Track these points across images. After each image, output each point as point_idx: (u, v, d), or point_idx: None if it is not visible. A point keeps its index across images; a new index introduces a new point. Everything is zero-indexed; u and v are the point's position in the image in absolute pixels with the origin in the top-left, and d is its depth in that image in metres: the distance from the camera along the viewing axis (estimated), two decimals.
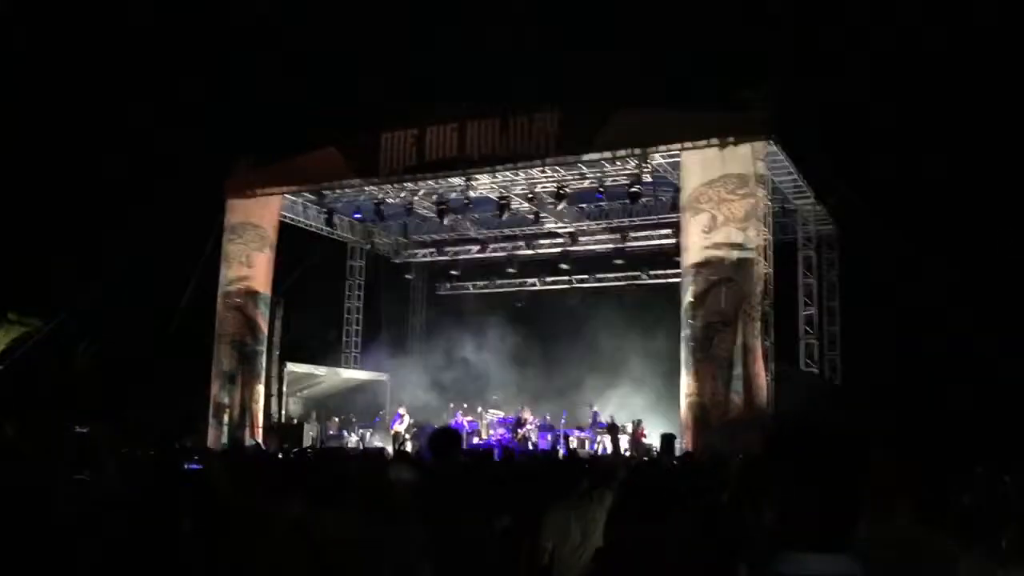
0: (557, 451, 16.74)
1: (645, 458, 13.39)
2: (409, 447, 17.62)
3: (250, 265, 18.78)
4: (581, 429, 18.53)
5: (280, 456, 10.93)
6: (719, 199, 14.56)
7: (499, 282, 22.75)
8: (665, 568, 3.05)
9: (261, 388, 18.70)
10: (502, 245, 21.75)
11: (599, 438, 18.08)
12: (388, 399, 21.27)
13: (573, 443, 17.78)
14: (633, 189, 16.84)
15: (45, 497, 4.04)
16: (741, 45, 16.93)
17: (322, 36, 20.23)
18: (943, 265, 14.54)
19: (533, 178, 17.54)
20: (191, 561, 3.52)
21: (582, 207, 19.31)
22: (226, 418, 18.33)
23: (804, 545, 1.69)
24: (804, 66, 16.46)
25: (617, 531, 3.19)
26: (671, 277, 15.81)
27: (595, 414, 18.54)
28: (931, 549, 3.00)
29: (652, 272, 20.12)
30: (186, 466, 8.13)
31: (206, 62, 19.42)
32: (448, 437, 5.15)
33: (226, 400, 18.45)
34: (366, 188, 18.54)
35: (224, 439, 17.73)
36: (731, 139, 14.54)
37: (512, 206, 18.71)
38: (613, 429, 17.58)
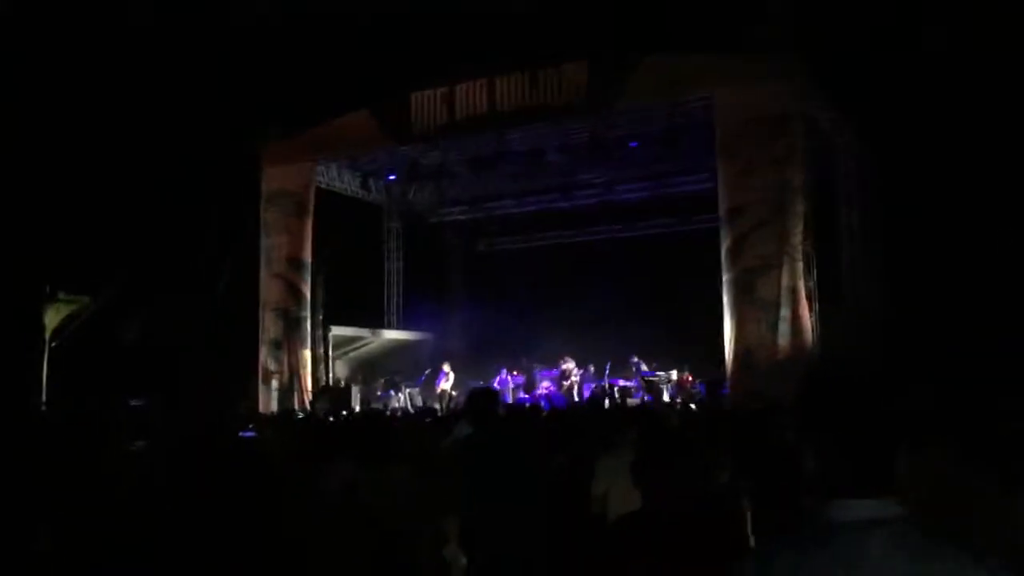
0: (603, 401, 16.81)
1: (692, 405, 13.42)
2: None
3: (289, 232, 18.94)
4: (627, 379, 18.55)
5: (331, 419, 11.09)
6: (755, 140, 14.35)
7: (536, 236, 22.70)
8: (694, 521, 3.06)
9: (307, 353, 18.97)
10: (537, 199, 21.65)
11: (644, 387, 18.12)
12: (432, 357, 21.45)
13: (618, 393, 17.85)
14: (668, 135, 16.65)
15: (109, 471, 4.16)
16: None
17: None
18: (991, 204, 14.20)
19: (565, 129, 17.41)
20: (250, 530, 3.60)
21: (617, 155, 19.12)
22: (275, 383, 18.65)
23: (844, 491, 1.70)
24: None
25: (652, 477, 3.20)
26: (711, 222, 15.63)
27: (637, 364, 18.52)
28: (978, 488, 2.96)
29: (692, 218, 19.93)
30: (241, 434, 8.31)
31: (231, 31, 19.40)
32: (486, 397, 5.14)
33: (274, 367, 18.76)
34: (399, 149, 18.56)
35: (274, 405, 18.06)
36: (764, 79, 14.28)
37: (546, 158, 18.61)
38: (650, 384, 17.66)
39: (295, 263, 18.91)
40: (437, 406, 17.68)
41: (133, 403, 12.87)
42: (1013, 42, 14.12)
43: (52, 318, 18.39)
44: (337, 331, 20.26)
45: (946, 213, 15.08)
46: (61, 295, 18.42)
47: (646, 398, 17.53)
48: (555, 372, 19.35)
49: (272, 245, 19.06)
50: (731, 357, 14.52)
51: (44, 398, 16.67)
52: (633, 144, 17.47)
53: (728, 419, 6.83)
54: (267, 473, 4.48)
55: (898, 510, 1.69)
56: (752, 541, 3.46)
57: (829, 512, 1.70)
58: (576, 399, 17.88)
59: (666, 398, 17.40)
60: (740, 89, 14.53)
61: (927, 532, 1.67)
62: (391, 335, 22.44)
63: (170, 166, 18.87)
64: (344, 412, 15.35)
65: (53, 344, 18.30)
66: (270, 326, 18.96)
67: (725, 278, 14.68)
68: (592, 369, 19.19)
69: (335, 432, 6.33)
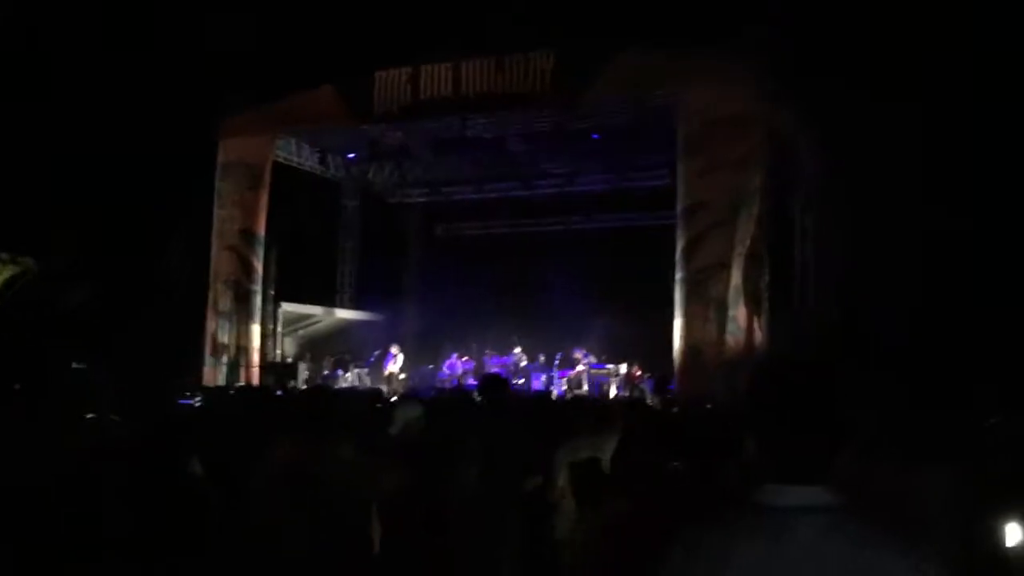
0: (551, 392, 16.87)
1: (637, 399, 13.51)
2: (402, 388, 17.75)
3: (243, 205, 18.70)
4: (572, 369, 18.61)
5: (277, 393, 11.01)
6: (717, 140, 14.47)
7: (495, 223, 22.68)
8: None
9: (256, 328, 18.76)
10: (498, 185, 21.61)
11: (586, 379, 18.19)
12: (383, 339, 21.35)
13: (565, 384, 17.95)
14: (631, 129, 16.72)
15: (54, 436, 4.08)
16: None
17: None
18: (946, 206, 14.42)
19: (529, 117, 17.39)
20: (202, 500, 3.58)
21: (579, 146, 19.13)
22: (224, 358, 18.44)
23: (782, 477, 1.72)
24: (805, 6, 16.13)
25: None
26: (668, 218, 15.75)
27: (586, 355, 18.58)
28: (919, 487, 3.03)
29: (650, 213, 20.03)
30: (182, 402, 8.23)
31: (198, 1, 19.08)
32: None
33: (225, 339, 18.54)
34: (361, 128, 18.40)
35: (221, 379, 17.85)
36: (731, 80, 14.39)
37: (508, 147, 18.59)
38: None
39: (248, 236, 18.67)
40: (384, 388, 17.60)
41: (75, 366, 12.65)
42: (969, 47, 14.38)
43: None
44: (288, 308, 20.07)
45: (902, 217, 15.31)
46: (4, 255, 18.04)
47: (594, 389, 17.64)
48: (506, 359, 19.37)
49: (226, 216, 18.80)
50: (679, 354, 14.66)
51: None
52: (595, 136, 17.50)
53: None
54: (211, 441, 4.46)
55: (832, 499, 1.71)
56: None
57: (762, 496, 1.72)
58: (519, 385, 17.90)
59: (613, 392, 17.51)
60: (705, 88, 14.64)
61: (860, 521, 1.70)
62: (342, 314, 22.28)
63: (125, 131, 18.51)
64: (290, 386, 15.25)
65: None
66: (220, 298, 18.72)
67: (678, 276, 14.81)
68: (542, 359, 19.25)
69: (279, 406, 6.29)
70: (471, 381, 18.82)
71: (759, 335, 14.37)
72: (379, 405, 6.90)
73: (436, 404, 5.89)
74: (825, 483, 1.72)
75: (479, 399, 5.70)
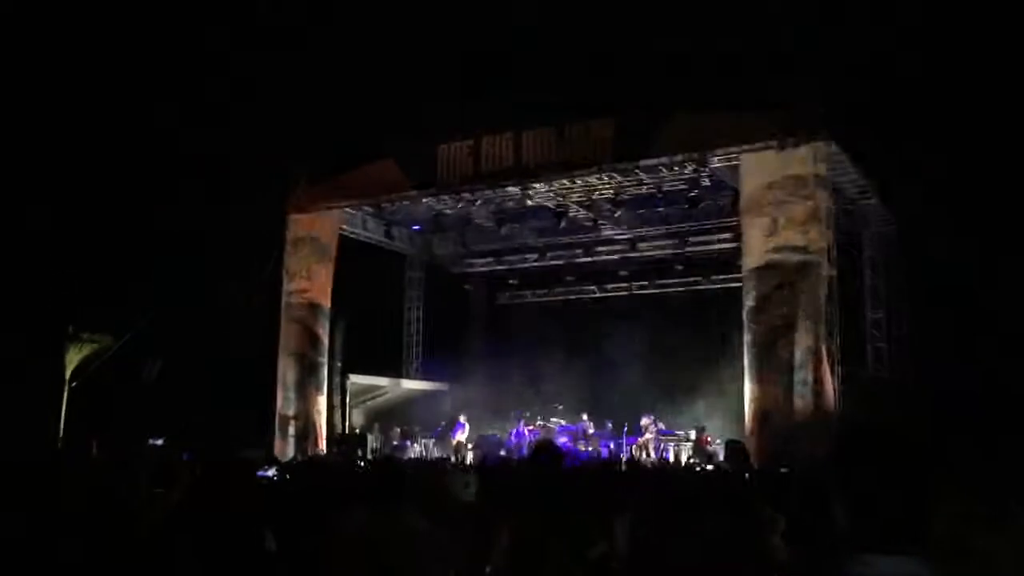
0: (620, 459, 16.60)
1: (709, 466, 13.24)
2: (470, 457, 17.65)
3: (311, 278, 19.03)
4: (640, 435, 18.31)
5: (346, 465, 11.04)
6: (779, 201, 14.35)
7: (558, 290, 22.69)
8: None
9: (324, 399, 18.93)
10: (561, 253, 21.66)
11: (662, 445, 17.90)
12: (449, 409, 21.34)
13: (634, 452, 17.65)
14: (692, 194, 16.70)
15: (129, 510, 4.13)
16: (792, 43, 16.66)
17: (375, 48, 20.46)
18: (1014, 265, 14.12)
19: (590, 185, 17.48)
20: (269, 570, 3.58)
21: (641, 213, 19.14)
22: (291, 429, 18.59)
23: (876, 547, 1.66)
24: (860, 61, 16.12)
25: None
26: (732, 282, 15.61)
27: (654, 422, 18.28)
28: (1000, 555, 2.90)
29: (713, 277, 19.87)
30: (259, 473, 8.29)
31: (263, 76, 19.76)
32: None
33: (291, 412, 18.71)
34: (424, 200, 18.69)
35: (291, 450, 17.98)
36: (789, 139, 14.32)
37: (570, 214, 18.68)
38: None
39: (315, 309, 18.96)
40: (452, 457, 17.53)
41: (152, 442, 12.86)
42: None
43: (73, 357, 18.50)
44: (355, 379, 20.22)
45: (969, 277, 14.98)
46: (83, 335, 18.54)
47: (664, 455, 17.34)
48: (574, 427, 19.17)
49: (293, 290, 19.13)
50: (750, 418, 14.36)
51: (62, 437, 16.70)
52: (658, 201, 17.49)
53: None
54: (286, 514, 4.47)
55: (920, 568, 1.65)
56: None
57: (852, 568, 1.67)
58: (586, 452, 17.66)
59: (684, 458, 17.18)
60: (764, 149, 14.58)
61: None
62: (409, 385, 22.37)
63: (197, 208, 19.08)
64: (358, 459, 15.25)
65: (73, 384, 18.39)
66: (288, 371, 18.95)
67: (746, 338, 14.60)
68: (610, 426, 19.02)
69: (349, 478, 6.30)
70: None
71: (831, 398, 14.02)
72: (445, 475, 6.87)
73: (491, 473, 5.83)
74: (920, 552, 1.66)
75: (531, 467, 5.63)
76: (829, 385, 14.02)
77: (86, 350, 18.74)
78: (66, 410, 17.98)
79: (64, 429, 17.50)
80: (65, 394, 18.23)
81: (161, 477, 4.88)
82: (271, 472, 8.73)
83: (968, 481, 3.10)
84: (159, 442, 12.90)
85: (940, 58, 16.15)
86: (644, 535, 3.29)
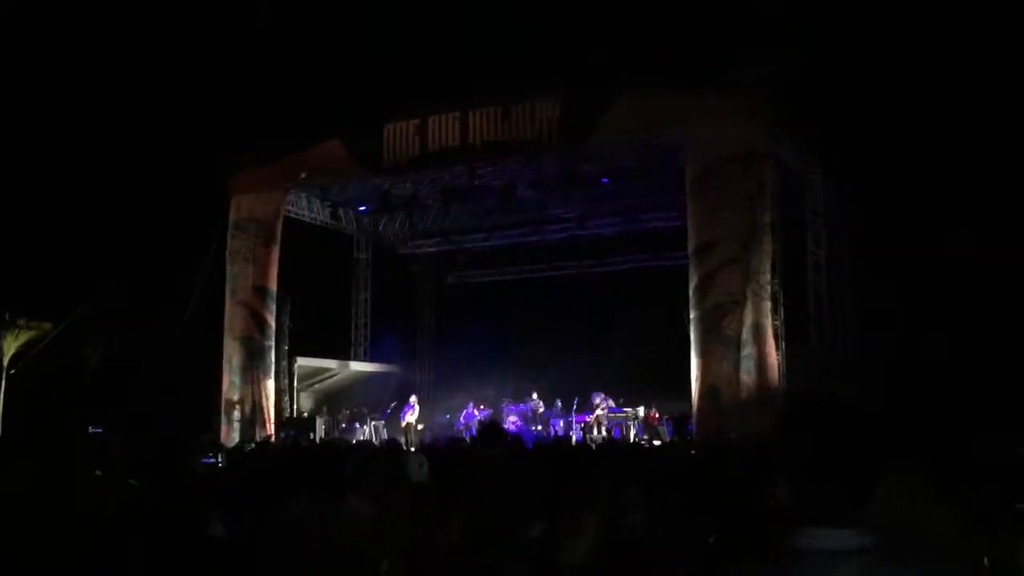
0: (571, 437, 16.72)
1: (656, 442, 13.36)
2: (419, 439, 17.62)
3: (255, 261, 18.73)
4: (590, 413, 18.43)
5: (292, 450, 10.91)
6: (725, 178, 14.45)
7: (507, 270, 22.64)
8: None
9: (271, 383, 18.70)
10: (508, 232, 21.57)
11: (611, 423, 18.04)
12: (399, 390, 21.25)
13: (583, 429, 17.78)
14: (640, 171, 16.74)
15: (70, 498, 4.02)
16: (743, 22, 16.75)
17: (319, 28, 20.15)
18: (964, 236, 14.39)
19: (537, 164, 17.43)
20: (219, 561, 3.50)
21: (588, 190, 19.13)
22: (237, 414, 18.35)
23: (819, 520, 1.65)
24: (810, 41, 16.25)
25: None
26: (682, 259, 15.68)
27: (603, 399, 18.40)
28: (943, 528, 2.94)
29: (663, 254, 19.95)
30: (205, 460, 8.16)
31: (203, 58, 19.36)
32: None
33: (236, 396, 18.46)
34: (370, 180, 18.48)
35: (236, 436, 17.76)
36: (735, 118, 14.41)
37: (517, 192, 18.63)
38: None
39: (261, 292, 18.68)
40: (402, 439, 17.47)
41: (92, 430, 12.59)
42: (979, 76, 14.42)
43: (10, 344, 18.06)
44: (303, 362, 20.01)
45: (914, 251, 15.25)
46: (21, 321, 18.10)
47: (614, 432, 17.49)
48: (523, 407, 19.22)
49: (238, 273, 18.82)
50: (697, 394, 14.51)
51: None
52: (604, 180, 17.51)
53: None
54: (230, 501, 4.38)
55: (865, 540, 1.64)
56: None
57: (795, 541, 1.66)
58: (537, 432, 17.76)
59: (632, 435, 17.34)
60: (711, 128, 14.66)
61: (893, 563, 1.63)
62: (358, 367, 22.20)
63: (136, 192, 18.70)
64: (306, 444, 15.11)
65: (11, 371, 17.97)
66: (233, 355, 18.68)
67: (692, 315, 14.72)
68: (559, 405, 19.10)
69: (291, 463, 6.20)
70: None
71: (776, 373, 14.21)
72: (394, 458, 6.81)
73: (440, 454, 5.79)
74: (859, 525, 1.65)
75: (476, 448, 5.68)
76: (775, 360, 14.22)
77: (24, 336, 18.31)
78: (3, 397, 17.58)
79: (1, 416, 17.11)
80: (3, 381, 17.82)
81: (98, 460, 4.77)
82: (216, 458, 8.60)
83: (912, 452, 3.13)
84: (98, 430, 12.63)
85: (882, 32, 16.35)
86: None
